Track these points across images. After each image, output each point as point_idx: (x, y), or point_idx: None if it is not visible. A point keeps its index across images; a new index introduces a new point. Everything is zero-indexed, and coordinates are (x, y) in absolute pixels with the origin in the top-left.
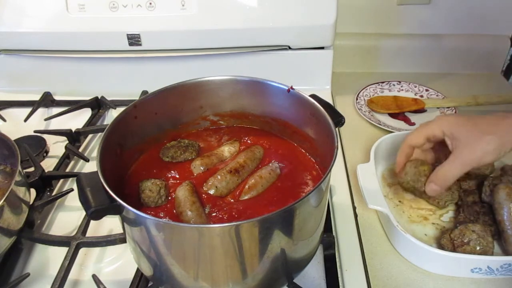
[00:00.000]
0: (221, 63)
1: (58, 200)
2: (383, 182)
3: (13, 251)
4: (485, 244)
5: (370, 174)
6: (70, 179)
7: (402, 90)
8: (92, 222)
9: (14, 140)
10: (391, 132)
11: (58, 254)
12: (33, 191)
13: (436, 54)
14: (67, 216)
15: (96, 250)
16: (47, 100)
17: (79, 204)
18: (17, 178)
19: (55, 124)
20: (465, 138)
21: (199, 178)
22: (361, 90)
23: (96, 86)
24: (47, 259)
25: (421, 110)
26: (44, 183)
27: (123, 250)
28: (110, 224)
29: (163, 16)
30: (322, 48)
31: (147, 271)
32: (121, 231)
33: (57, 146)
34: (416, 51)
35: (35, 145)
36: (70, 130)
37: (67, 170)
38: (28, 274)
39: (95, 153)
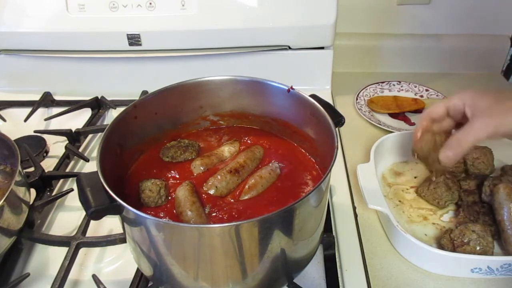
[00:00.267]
0: (221, 63)
1: (58, 200)
2: (383, 182)
3: (13, 251)
4: (485, 244)
5: (370, 174)
6: (70, 179)
7: (402, 90)
8: (92, 222)
9: (14, 140)
10: (391, 132)
11: (58, 254)
12: (33, 191)
13: (436, 54)
14: (67, 216)
15: (96, 250)
16: (47, 100)
17: (79, 204)
18: (17, 178)
19: (55, 124)
20: (485, 108)
21: (199, 178)
22: (361, 90)
23: (96, 86)
24: (47, 259)
25: (421, 110)
26: (44, 183)
27: (123, 250)
28: (110, 224)
29: (163, 16)
30: (322, 48)
31: (147, 271)
32: (121, 231)
33: (57, 146)
34: (416, 51)
35: (35, 145)
36: (70, 130)
37: (67, 170)
38: (28, 274)
39: (95, 153)
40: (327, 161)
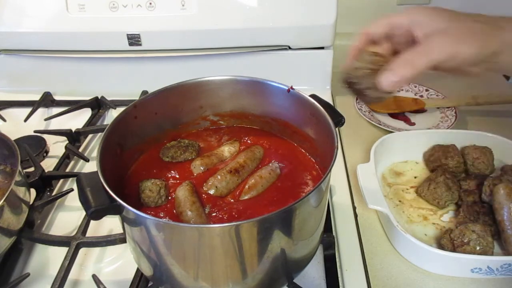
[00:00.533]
0: (221, 63)
1: (58, 200)
2: (383, 182)
3: (13, 251)
4: (485, 244)
5: (370, 174)
6: (70, 179)
7: (402, 90)
8: (92, 222)
9: (14, 140)
10: (391, 132)
11: (58, 254)
12: (33, 191)
13: None
14: (67, 216)
15: (96, 250)
16: (47, 100)
17: (79, 204)
18: (17, 178)
19: (55, 124)
20: (442, 27)
21: (199, 178)
22: None
23: (96, 86)
24: (47, 259)
25: (421, 110)
26: (44, 183)
27: (123, 250)
28: (110, 224)
29: (163, 16)
30: (322, 48)
31: (147, 271)
32: (121, 231)
33: (57, 146)
34: None
35: (35, 145)
36: (70, 130)
37: (67, 170)
38: (28, 274)
39: (95, 153)
40: (327, 161)
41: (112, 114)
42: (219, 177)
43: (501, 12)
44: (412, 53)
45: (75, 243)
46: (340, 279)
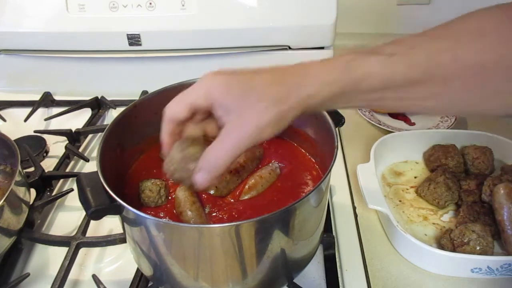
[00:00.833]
0: (221, 63)
1: (58, 200)
2: (383, 182)
3: (13, 251)
4: (485, 244)
5: (370, 174)
6: (70, 179)
7: None
8: (92, 222)
9: (14, 140)
10: (391, 132)
11: (58, 254)
12: (33, 191)
13: None
14: (67, 216)
15: (96, 250)
16: (47, 100)
17: (79, 204)
18: (17, 178)
19: (55, 124)
20: (235, 109)
21: None
22: None
23: (96, 86)
24: (47, 259)
25: None
26: (44, 183)
27: (123, 250)
28: (110, 224)
29: (163, 16)
30: (322, 48)
31: (147, 271)
32: (121, 231)
33: (57, 146)
34: None
35: (35, 145)
36: (70, 130)
37: (67, 170)
38: (28, 274)
39: (95, 153)
40: (327, 161)
41: (112, 114)
42: None
43: None
44: (215, 146)
45: (75, 243)
46: (340, 279)
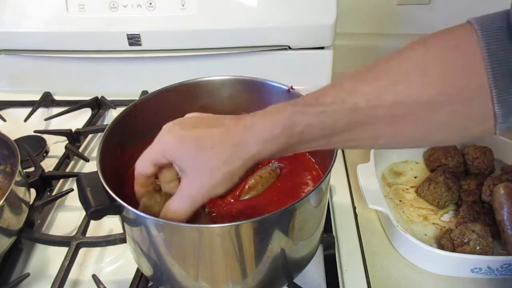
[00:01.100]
0: (221, 63)
1: (58, 200)
2: (383, 182)
3: (13, 251)
4: (485, 244)
5: (370, 174)
6: (70, 179)
7: None
8: (92, 222)
9: (14, 140)
10: None
11: (58, 254)
12: (33, 191)
13: None
14: (67, 216)
15: (96, 250)
16: (47, 100)
17: (79, 204)
18: (17, 178)
19: (55, 124)
20: (187, 169)
21: None
22: None
23: (96, 86)
24: (47, 259)
25: None
26: (44, 183)
27: (123, 250)
28: (110, 224)
29: (163, 16)
30: (322, 48)
31: (147, 271)
32: (121, 231)
33: (57, 146)
34: None
35: (35, 145)
36: (70, 130)
37: (67, 170)
38: (28, 274)
39: (95, 153)
40: (327, 161)
41: (112, 114)
42: None
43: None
44: (175, 200)
45: (75, 243)
46: (340, 279)
